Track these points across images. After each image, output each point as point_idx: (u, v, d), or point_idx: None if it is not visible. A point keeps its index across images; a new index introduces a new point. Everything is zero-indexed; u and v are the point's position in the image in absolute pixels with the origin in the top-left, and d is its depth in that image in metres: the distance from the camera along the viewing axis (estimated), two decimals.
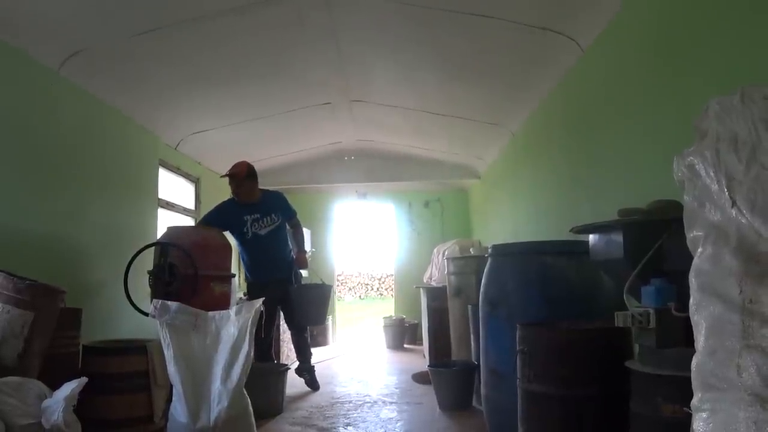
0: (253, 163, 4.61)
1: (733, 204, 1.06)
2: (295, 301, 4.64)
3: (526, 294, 2.84)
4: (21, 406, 2.31)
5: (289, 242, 4.88)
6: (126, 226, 4.56)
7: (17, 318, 2.61)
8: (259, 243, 4.57)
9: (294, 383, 4.96)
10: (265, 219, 4.59)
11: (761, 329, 0.98)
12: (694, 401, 1.08)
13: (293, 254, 4.85)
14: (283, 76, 4.68)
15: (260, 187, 4.74)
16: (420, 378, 5.09)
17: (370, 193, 8.79)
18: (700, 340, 1.09)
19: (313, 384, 4.91)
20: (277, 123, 5.79)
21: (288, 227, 4.87)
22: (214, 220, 4.51)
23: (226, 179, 4.59)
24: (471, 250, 5.14)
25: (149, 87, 4.35)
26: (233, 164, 4.58)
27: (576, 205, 3.78)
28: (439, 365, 4.40)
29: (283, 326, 5.89)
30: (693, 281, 1.13)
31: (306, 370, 4.93)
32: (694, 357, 1.10)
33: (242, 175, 4.51)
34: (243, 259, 4.83)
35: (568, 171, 4.02)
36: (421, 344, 6.86)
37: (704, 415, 1.04)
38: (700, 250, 1.13)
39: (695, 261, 1.14)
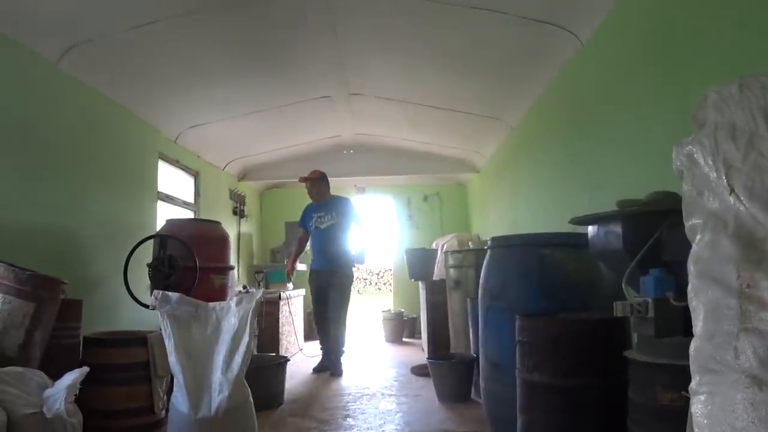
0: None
1: (732, 191, 1.07)
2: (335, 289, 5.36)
3: (525, 286, 2.85)
4: (23, 396, 2.32)
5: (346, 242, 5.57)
6: (126, 219, 4.57)
7: (18, 309, 2.62)
8: (318, 236, 5.51)
9: (293, 375, 4.99)
10: (326, 216, 5.49)
11: (759, 313, 0.99)
12: (692, 385, 1.10)
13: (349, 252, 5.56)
14: (282, 69, 4.68)
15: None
16: (419, 371, 5.12)
17: (369, 187, 8.79)
18: (698, 325, 1.10)
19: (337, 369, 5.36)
20: (276, 117, 5.79)
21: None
22: (301, 219, 5.68)
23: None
24: (469, 243, 5.15)
25: (149, 80, 4.35)
26: (312, 170, 5.63)
27: (574, 197, 3.79)
28: (438, 358, 4.42)
29: (282, 319, 5.94)
30: (691, 268, 1.14)
31: (339, 364, 5.37)
32: (692, 341, 1.11)
33: (314, 178, 5.56)
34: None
35: (567, 163, 4.03)
36: (420, 338, 6.88)
37: (702, 397, 1.06)
38: (698, 237, 1.14)
39: (694, 248, 1.15)
